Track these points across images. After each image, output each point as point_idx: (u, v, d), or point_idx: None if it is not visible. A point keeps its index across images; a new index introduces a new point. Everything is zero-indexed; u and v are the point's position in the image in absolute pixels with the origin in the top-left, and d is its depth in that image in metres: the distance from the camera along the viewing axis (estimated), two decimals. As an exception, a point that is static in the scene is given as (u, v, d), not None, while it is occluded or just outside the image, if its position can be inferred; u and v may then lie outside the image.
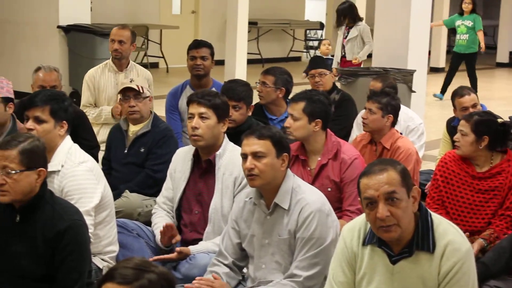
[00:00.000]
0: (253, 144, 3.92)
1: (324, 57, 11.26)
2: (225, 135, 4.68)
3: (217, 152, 4.61)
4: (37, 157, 3.69)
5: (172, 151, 5.60)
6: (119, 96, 5.75)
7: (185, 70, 11.41)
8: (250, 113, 5.63)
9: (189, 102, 4.65)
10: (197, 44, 6.76)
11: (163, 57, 16.48)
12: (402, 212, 3.17)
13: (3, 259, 3.71)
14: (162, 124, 5.73)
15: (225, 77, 12.35)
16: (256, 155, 3.91)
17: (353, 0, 11.71)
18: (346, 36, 10.79)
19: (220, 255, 4.12)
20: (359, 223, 3.39)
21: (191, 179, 4.69)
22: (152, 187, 5.53)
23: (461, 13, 13.10)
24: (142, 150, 5.59)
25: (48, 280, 3.64)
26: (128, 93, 5.57)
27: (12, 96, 5.21)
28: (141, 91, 5.57)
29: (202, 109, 4.57)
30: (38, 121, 4.33)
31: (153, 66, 15.84)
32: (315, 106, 4.81)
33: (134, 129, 5.64)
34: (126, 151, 5.61)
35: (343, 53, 10.89)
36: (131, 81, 5.64)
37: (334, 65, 10.72)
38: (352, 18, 10.79)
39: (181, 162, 4.76)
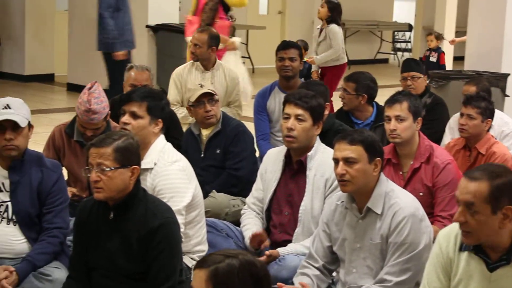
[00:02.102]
0: (345, 149, 3.87)
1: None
2: (317, 136, 4.64)
3: (309, 153, 4.57)
4: (131, 155, 3.72)
5: (248, 146, 5.63)
6: (189, 102, 5.67)
7: (271, 70, 11.40)
8: (326, 112, 5.55)
9: (286, 102, 4.63)
10: (285, 45, 6.75)
11: (249, 57, 16.53)
12: (478, 225, 3.08)
13: (97, 255, 3.75)
14: (232, 121, 5.73)
15: (311, 78, 12.27)
16: (348, 161, 3.86)
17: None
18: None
19: (310, 258, 4.09)
20: (455, 228, 3.31)
21: (282, 180, 4.66)
22: (236, 186, 5.54)
23: None
24: (218, 151, 5.60)
25: (140, 277, 3.67)
26: (202, 98, 5.54)
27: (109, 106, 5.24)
28: (215, 94, 5.58)
29: (299, 111, 4.54)
30: (134, 116, 4.39)
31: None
32: (416, 104, 4.77)
33: (206, 133, 5.64)
34: (202, 155, 5.61)
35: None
36: (201, 86, 5.64)
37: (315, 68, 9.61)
38: (330, 18, 9.42)
39: (272, 162, 4.74)
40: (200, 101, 5.52)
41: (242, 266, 2.45)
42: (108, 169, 3.64)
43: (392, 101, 4.85)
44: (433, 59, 11.49)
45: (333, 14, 9.39)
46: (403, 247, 3.80)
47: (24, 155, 4.38)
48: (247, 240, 4.60)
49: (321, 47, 9.39)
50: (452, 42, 12.42)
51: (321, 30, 9.44)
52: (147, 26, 11.37)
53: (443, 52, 11.67)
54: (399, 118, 4.77)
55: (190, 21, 8.55)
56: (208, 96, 5.53)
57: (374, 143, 3.93)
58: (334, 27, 9.33)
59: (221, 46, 7.94)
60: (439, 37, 11.82)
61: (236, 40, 8.79)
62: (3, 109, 4.27)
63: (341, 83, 6.19)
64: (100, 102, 5.00)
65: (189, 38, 8.18)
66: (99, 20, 9.24)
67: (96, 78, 9.42)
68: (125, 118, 4.39)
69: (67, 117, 6.70)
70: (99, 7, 9.23)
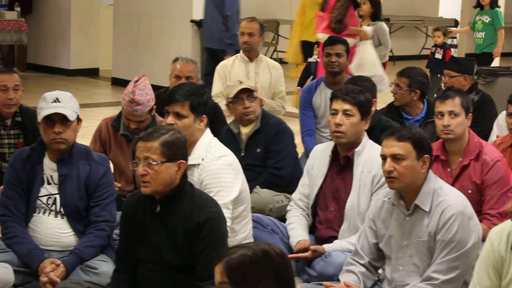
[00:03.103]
0: (393, 146, 3.84)
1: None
2: (365, 132, 4.60)
3: (356, 149, 4.54)
4: (178, 149, 3.72)
5: (289, 144, 5.57)
6: (227, 100, 5.61)
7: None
8: (374, 108, 5.51)
9: (333, 98, 4.60)
10: (332, 41, 6.72)
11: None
12: None
13: (143, 249, 3.77)
14: (272, 118, 5.67)
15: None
16: (396, 157, 3.83)
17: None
18: None
19: (356, 255, 4.06)
20: (508, 227, 3.26)
21: (329, 175, 4.64)
22: (279, 185, 5.51)
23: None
24: (259, 150, 5.55)
25: (187, 271, 3.67)
26: (240, 95, 5.48)
27: (154, 100, 5.26)
28: (255, 90, 5.55)
29: (347, 106, 4.51)
30: (179, 116, 4.38)
31: (282, 61, 15.86)
32: (467, 100, 4.73)
33: (245, 131, 5.59)
34: (242, 154, 5.56)
35: None
36: (240, 82, 5.60)
37: None
38: (374, 14, 9.31)
39: (318, 158, 4.72)
40: (238, 97, 5.45)
41: (255, 255, 2.46)
42: (155, 163, 3.65)
43: (444, 97, 4.80)
44: (438, 55, 10.81)
45: (376, 10, 9.28)
46: (451, 245, 3.76)
47: (73, 148, 4.41)
48: (292, 241, 4.59)
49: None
50: (450, 32, 11.61)
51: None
52: (192, 21, 11.39)
53: (449, 49, 10.96)
54: (452, 114, 4.71)
55: (321, 18, 8.40)
56: (247, 92, 5.47)
57: (422, 139, 3.89)
58: (382, 24, 9.22)
59: (353, 41, 8.06)
60: (447, 33, 11.11)
61: (367, 29, 8.74)
62: (52, 102, 4.31)
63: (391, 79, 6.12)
64: (145, 95, 5.02)
65: (320, 35, 8.18)
66: (223, 20, 9.28)
67: (140, 72, 9.42)
68: (170, 120, 4.39)
69: (111, 112, 6.75)
70: (223, 7, 9.30)
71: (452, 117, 4.71)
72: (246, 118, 5.50)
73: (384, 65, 9.28)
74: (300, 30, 9.91)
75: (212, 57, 9.40)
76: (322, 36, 8.10)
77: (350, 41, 7.83)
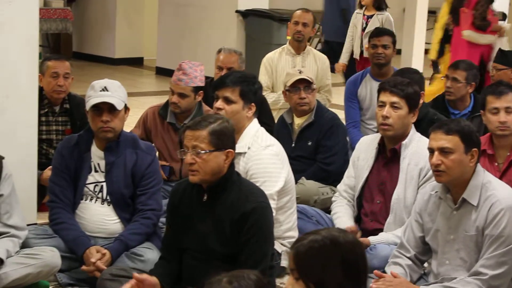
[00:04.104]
0: (441, 139, 3.80)
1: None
2: (413, 124, 4.57)
3: (403, 142, 4.51)
4: (226, 138, 3.72)
5: (341, 141, 5.56)
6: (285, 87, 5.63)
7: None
8: (421, 101, 5.46)
9: (381, 90, 4.57)
10: (378, 32, 6.69)
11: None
12: None
13: (190, 237, 3.77)
14: (327, 113, 5.65)
15: (402, 67, 12.09)
16: (443, 151, 3.79)
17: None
18: (365, 28, 8.79)
19: (402, 247, 4.03)
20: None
21: (375, 168, 4.61)
22: (326, 180, 5.49)
23: None
24: (310, 143, 5.55)
25: (232, 260, 3.67)
26: (298, 84, 5.50)
27: (203, 84, 5.31)
28: (313, 82, 5.53)
29: (394, 99, 4.48)
30: (228, 101, 4.39)
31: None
32: None
33: (299, 122, 5.60)
34: (293, 145, 5.58)
35: (362, 49, 8.78)
36: (300, 72, 5.59)
37: (344, 60, 8.94)
38: (378, 3, 8.83)
39: (365, 150, 4.69)
40: (295, 87, 5.49)
41: (323, 243, 2.39)
42: (203, 151, 3.65)
43: (498, 92, 4.72)
44: None
45: None
46: (499, 240, 3.72)
47: (120, 137, 4.45)
48: None
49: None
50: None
51: (368, 17, 8.88)
52: (237, 11, 11.38)
53: None
54: (509, 109, 4.65)
55: (466, 14, 8.34)
56: (305, 83, 5.49)
57: (471, 133, 3.84)
58: (389, 15, 8.87)
59: (494, 38, 8.09)
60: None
61: (507, 26, 8.70)
62: (101, 91, 4.34)
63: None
64: (194, 71, 5.11)
65: (466, 32, 8.18)
66: (341, 13, 9.41)
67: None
68: (219, 104, 4.40)
69: (156, 101, 6.78)
70: (342, 2, 9.50)
71: (509, 113, 4.65)
72: (300, 108, 5.52)
73: None
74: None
75: (331, 49, 9.40)
76: (468, 33, 8.12)
77: (491, 38, 7.84)
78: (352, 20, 9.08)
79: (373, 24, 8.60)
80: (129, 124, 5.68)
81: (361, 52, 8.79)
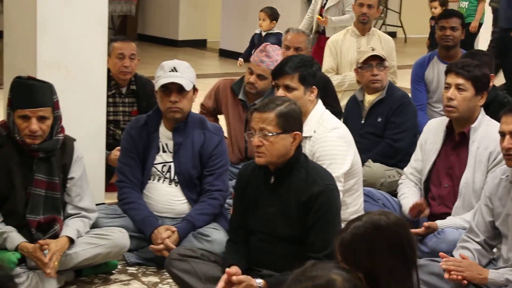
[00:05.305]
0: None
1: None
2: (482, 108, 4.50)
3: (472, 125, 4.44)
4: (293, 121, 3.71)
5: (411, 119, 5.53)
6: (357, 64, 5.66)
7: (424, 40, 11.08)
8: (491, 84, 5.38)
9: (448, 71, 4.51)
10: (447, 14, 6.61)
11: (401, 26, 16.23)
12: None
13: (257, 219, 3.78)
14: (398, 91, 5.64)
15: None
16: None
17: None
18: (325, 4, 8.48)
19: (471, 232, 3.98)
20: None
21: (443, 151, 4.56)
22: (394, 157, 5.47)
23: None
24: (379, 119, 5.54)
25: (299, 242, 3.67)
26: (370, 61, 5.51)
27: None
28: (385, 59, 5.52)
29: (460, 80, 4.42)
30: (288, 89, 4.37)
31: (391, 35, 15.60)
32: None
33: (369, 99, 5.60)
34: (363, 121, 5.59)
35: (321, 28, 8.48)
36: (372, 50, 5.58)
37: None
38: None
39: (432, 133, 4.64)
40: (368, 64, 5.51)
41: (365, 229, 2.36)
42: (271, 134, 3.65)
43: None
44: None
45: None
46: None
47: (188, 117, 4.48)
48: (404, 209, 4.53)
49: (329, 13, 8.38)
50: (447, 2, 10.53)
51: None
52: (301, -8, 11.37)
53: None
54: None
55: None
56: (378, 60, 5.51)
57: (544, 117, 3.77)
58: None
59: None
60: (445, 4, 10.16)
61: None
62: (170, 71, 4.37)
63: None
64: (276, 55, 5.23)
65: None
66: None
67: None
68: (280, 93, 4.38)
69: (219, 83, 6.79)
70: None
71: None
72: (372, 85, 5.53)
73: None
74: None
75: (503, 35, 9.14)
76: None
77: None
78: None
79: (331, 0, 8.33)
80: (193, 105, 5.74)
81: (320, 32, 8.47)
